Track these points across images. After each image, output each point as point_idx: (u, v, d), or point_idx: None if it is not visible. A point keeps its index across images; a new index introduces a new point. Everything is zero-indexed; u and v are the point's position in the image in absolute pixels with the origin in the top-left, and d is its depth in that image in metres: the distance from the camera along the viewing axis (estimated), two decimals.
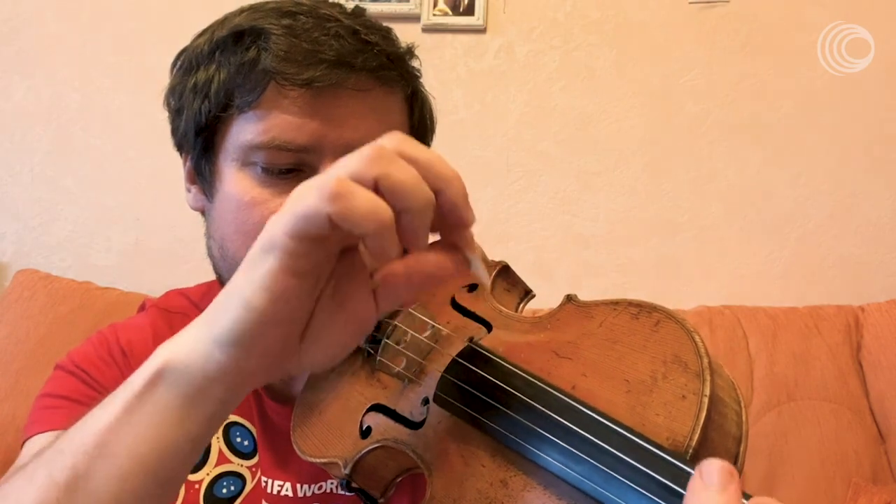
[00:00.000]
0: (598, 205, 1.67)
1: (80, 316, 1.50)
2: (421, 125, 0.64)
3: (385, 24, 0.61)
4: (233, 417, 0.64)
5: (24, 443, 0.61)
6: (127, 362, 0.65)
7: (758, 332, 1.47)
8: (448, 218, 0.37)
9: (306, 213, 0.34)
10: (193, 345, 0.38)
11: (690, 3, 1.63)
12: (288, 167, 0.55)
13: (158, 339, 0.66)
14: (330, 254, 0.37)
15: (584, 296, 0.51)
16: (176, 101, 0.61)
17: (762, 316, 1.50)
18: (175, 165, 0.66)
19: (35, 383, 1.41)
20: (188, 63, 0.59)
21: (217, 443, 0.63)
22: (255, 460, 0.63)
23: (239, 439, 0.64)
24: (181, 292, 0.73)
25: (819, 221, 1.63)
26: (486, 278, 0.38)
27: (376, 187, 0.34)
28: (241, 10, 0.59)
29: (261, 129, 0.55)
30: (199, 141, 0.59)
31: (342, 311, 0.39)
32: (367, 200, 0.33)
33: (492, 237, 1.67)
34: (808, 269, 1.64)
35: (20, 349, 1.46)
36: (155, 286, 1.60)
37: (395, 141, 0.36)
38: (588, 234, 1.67)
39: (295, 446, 0.56)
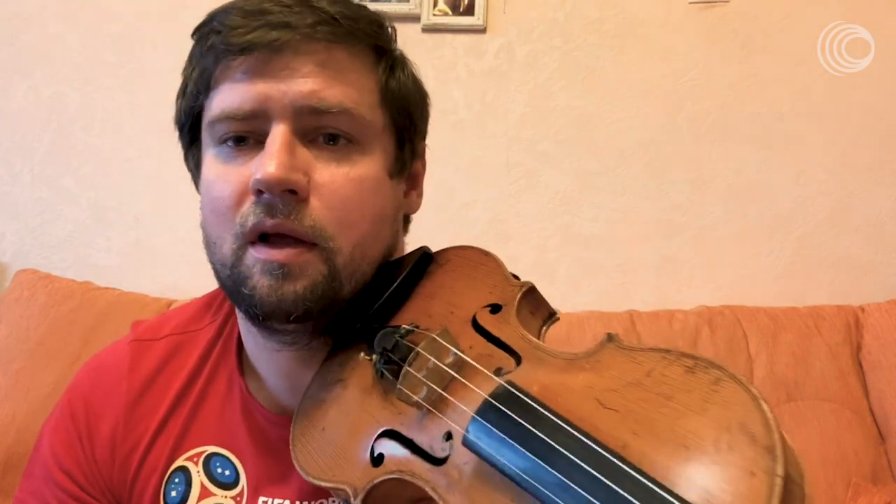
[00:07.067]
0: (598, 205, 1.67)
1: (80, 316, 1.50)
2: (403, 89, 0.61)
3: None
4: (212, 448, 0.63)
5: None
6: (89, 435, 0.64)
7: (758, 332, 1.47)
8: None
9: None
10: None
11: (690, 3, 1.63)
12: (239, 135, 0.55)
13: (134, 373, 0.65)
14: None
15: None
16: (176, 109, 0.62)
17: (762, 316, 1.50)
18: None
19: (35, 383, 1.42)
20: (183, 72, 0.61)
21: (199, 476, 0.62)
22: (237, 489, 0.62)
23: (220, 469, 0.62)
24: (167, 317, 0.71)
25: (819, 221, 1.63)
26: None
27: None
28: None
29: (214, 104, 0.55)
30: (184, 136, 0.60)
31: None
32: None
33: (492, 237, 1.67)
34: (808, 269, 1.64)
35: (20, 349, 1.46)
36: (155, 286, 1.61)
37: None
38: (588, 234, 1.67)
39: (295, 462, 0.54)
